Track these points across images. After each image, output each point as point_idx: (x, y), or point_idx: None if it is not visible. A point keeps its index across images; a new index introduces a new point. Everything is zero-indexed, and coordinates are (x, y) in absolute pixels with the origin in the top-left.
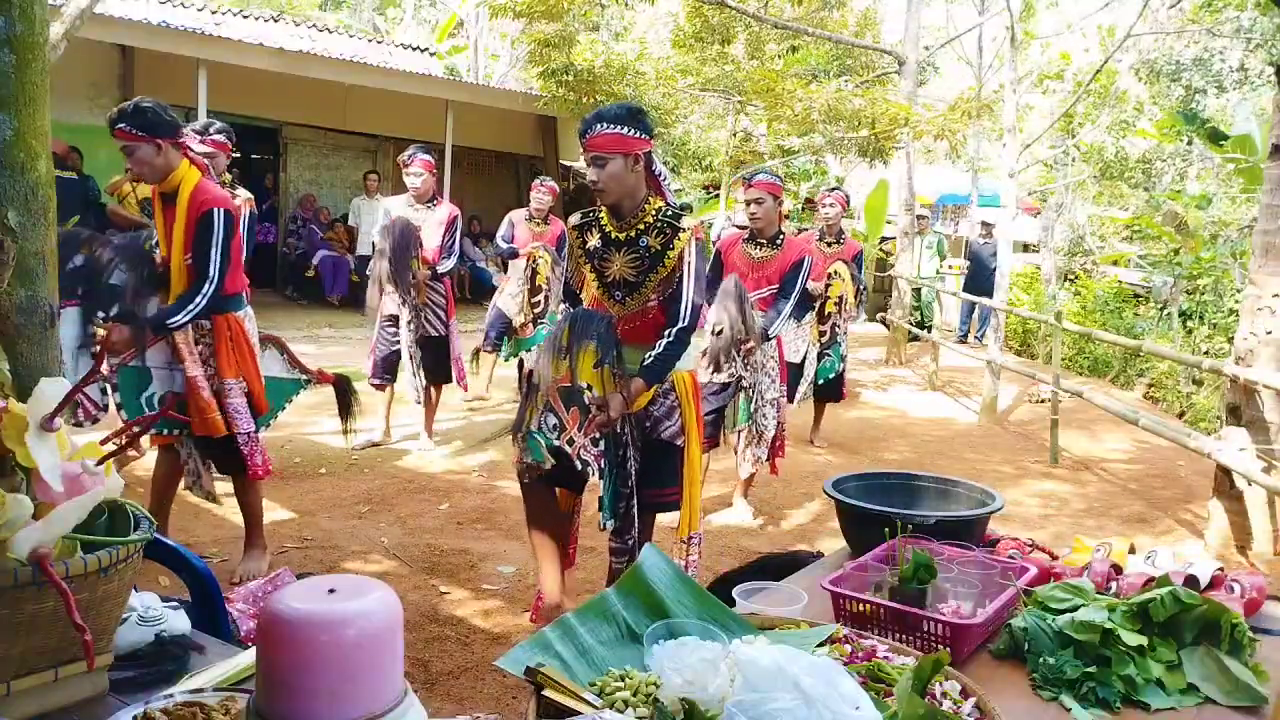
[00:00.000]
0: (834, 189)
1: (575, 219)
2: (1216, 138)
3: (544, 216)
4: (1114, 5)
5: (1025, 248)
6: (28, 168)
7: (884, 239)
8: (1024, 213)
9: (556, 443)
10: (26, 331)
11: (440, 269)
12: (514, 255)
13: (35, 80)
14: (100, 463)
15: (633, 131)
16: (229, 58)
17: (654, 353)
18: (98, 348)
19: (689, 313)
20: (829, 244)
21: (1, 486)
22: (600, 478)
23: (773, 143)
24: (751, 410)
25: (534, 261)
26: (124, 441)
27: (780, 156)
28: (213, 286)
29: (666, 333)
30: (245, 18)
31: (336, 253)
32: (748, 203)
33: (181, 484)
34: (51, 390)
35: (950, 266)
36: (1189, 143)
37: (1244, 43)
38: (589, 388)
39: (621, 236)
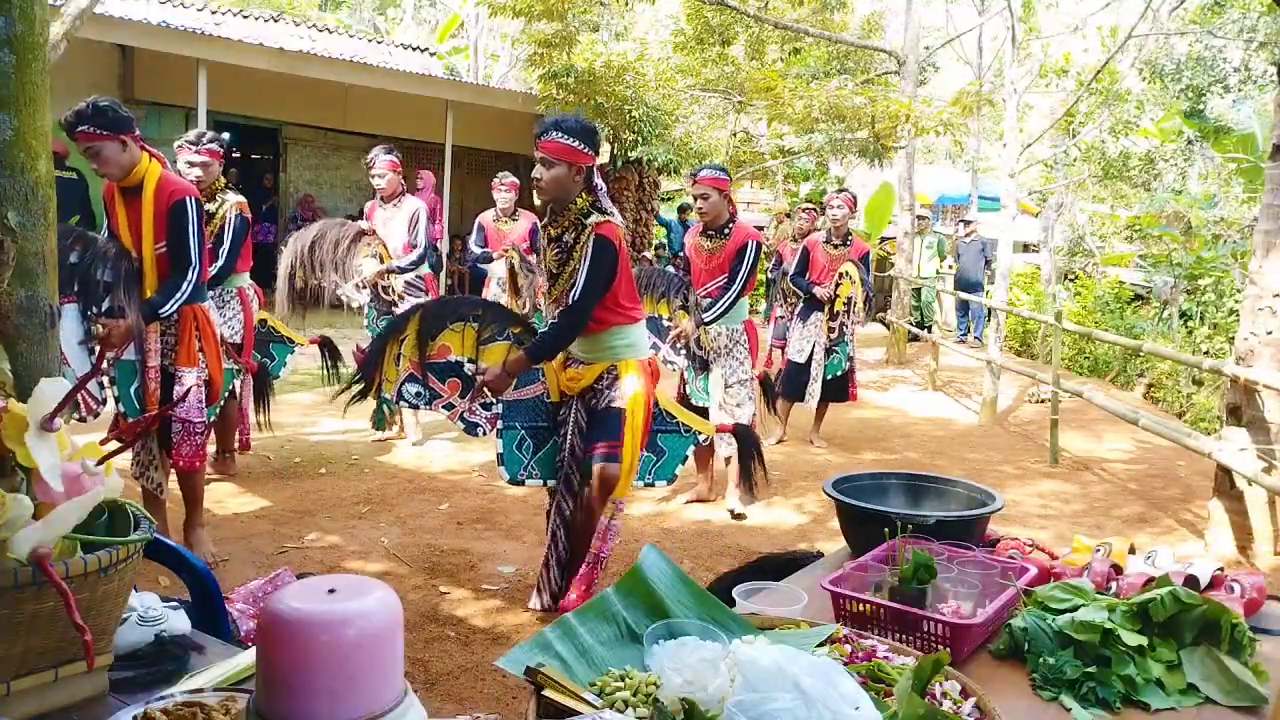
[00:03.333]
0: (841, 190)
1: (546, 219)
2: (1218, 136)
3: (511, 213)
4: (1114, 5)
5: (1025, 248)
6: (28, 168)
7: (884, 239)
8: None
9: (425, 407)
10: (26, 331)
11: (400, 263)
12: (488, 260)
13: (35, 80)
14: (100, 463)
15: (583, 146)
16: (229, 58)
17: (542, 331)
18: (97, 344)
19: (577, 298)
20: (836, 245)
21: (1, 486)
22: (498, 436)
23: (773, 143)
24: (711, 388)
25: (510, 262)
26: (124, 442)
27: (780, 157)
28: (196, 273)
29: (556, 315)
30: (245, 18)
31: None
32: (695, 198)
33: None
34: (51, 390)
35: (950, 267)
36: (1189, 143)
37: (1245, 43)
38: (471, 360)
39: (554, 233)
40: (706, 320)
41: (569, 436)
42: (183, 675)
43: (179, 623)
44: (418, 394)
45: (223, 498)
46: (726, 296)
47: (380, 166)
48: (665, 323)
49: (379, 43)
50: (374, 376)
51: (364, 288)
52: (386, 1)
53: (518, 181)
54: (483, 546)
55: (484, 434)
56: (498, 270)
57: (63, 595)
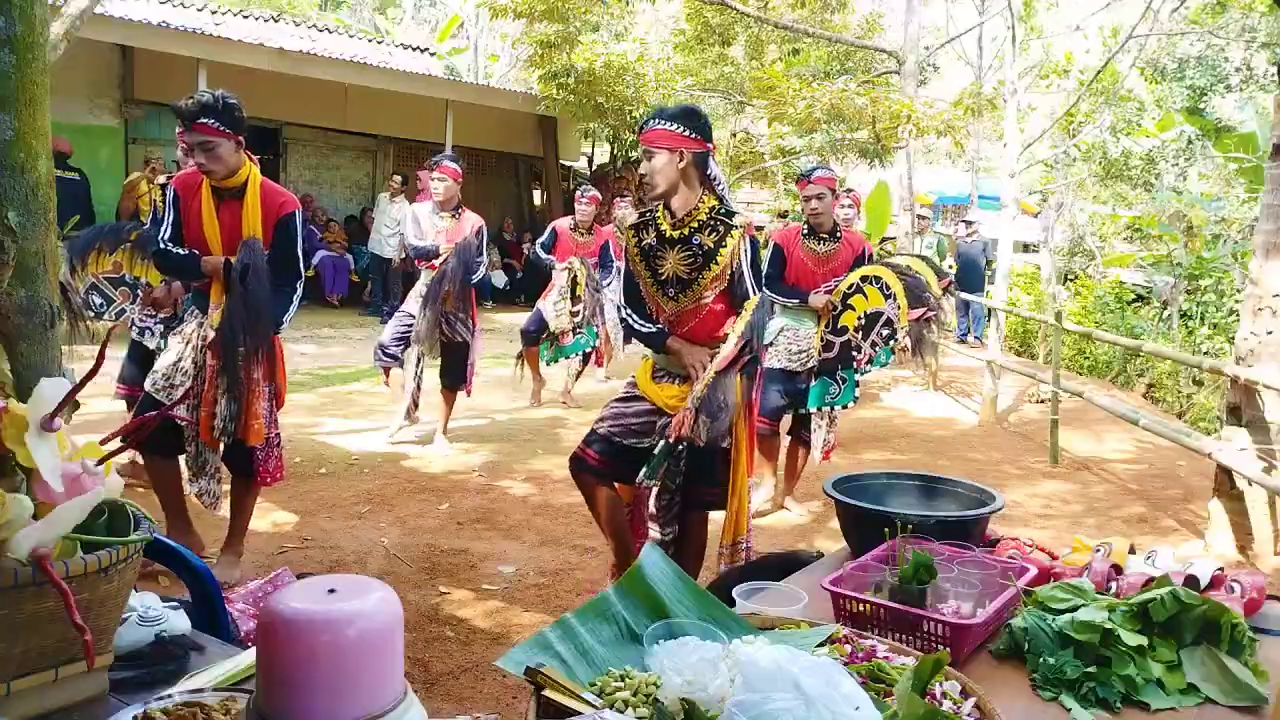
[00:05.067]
0: (848, 189)
1: (633, 219)
2: (1219, 135)
3: (588, 227)
4: (1115, 5)
5: (1025, 248)
6: (28, 168)
7: (884, 239)
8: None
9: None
10: (26, 331)
11: (472, 279)
12: (552, 267)
13: (35, 80)
14: (100, 463)
15: (684, 130)
16: (229, 58)
17: (741, 318)
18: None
19: (753, 290)
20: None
21: (1, 486)
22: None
23: (773, 143)
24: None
25: (574, 273)
26: (125, 440)
27: (780, 157)
28: (303, 285)
29: (745, 306)
30: (245, 18)
31: (335, 253)
32: (807, 199)
33: (187, 489)
34: (51, 390)
35: (950, 267)
36: (1189, 143)
37: (1246, 43)
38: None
39: (675, 235)
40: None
41: (681, 464)
42: (183, 675)
43: (179, 623)
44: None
45: (223, 498)
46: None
47: (441, 173)
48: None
49: (379, 43)
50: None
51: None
52: (386, 1)
53: (599, 196)
54: (483, 546)
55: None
56: (559, 280)
57: (63, 595)
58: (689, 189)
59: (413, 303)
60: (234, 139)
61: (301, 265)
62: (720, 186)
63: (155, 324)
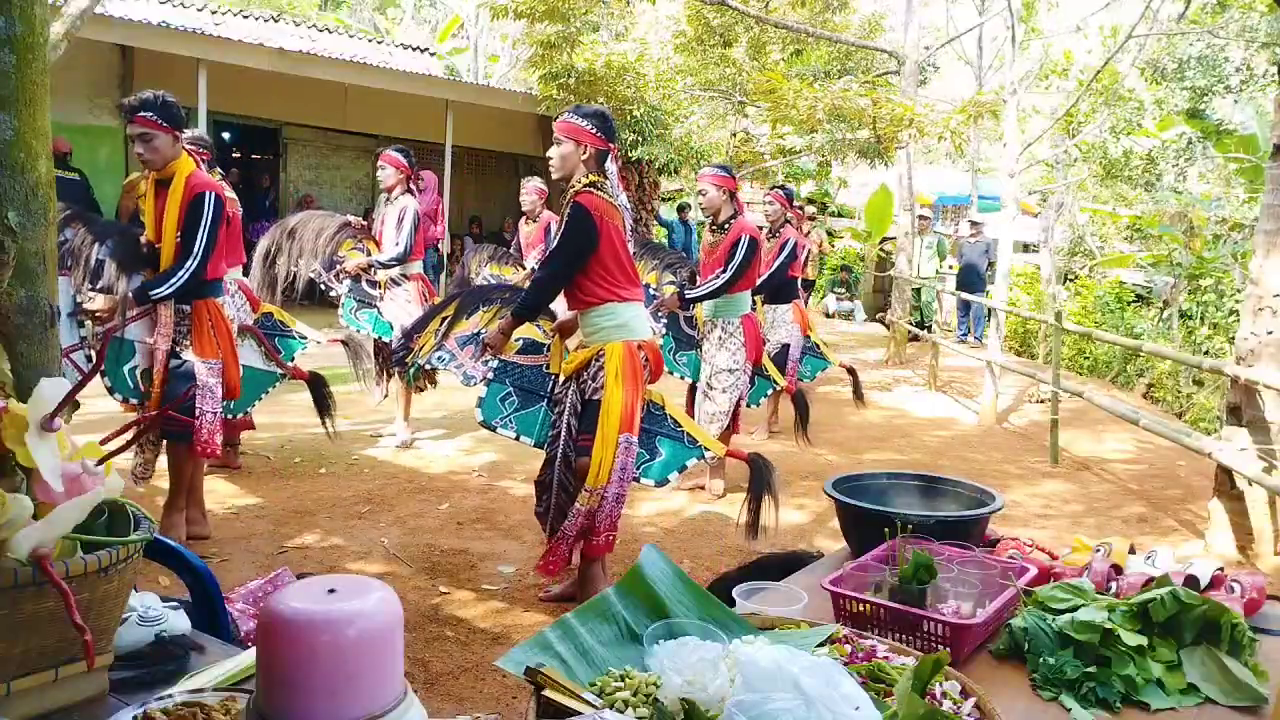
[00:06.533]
0: (774, 187)
1: (530, 203)
2: (1220, 136)
3: (534, 215)
4: (1115, 5)
5: (1025, 248)
6: (28, 168)
7: (885, 239)
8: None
9: (443, 368)
10: (26, 331)
11: (381, 258)
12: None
13: (35, 80)
14: (100, 463)
15: (590, 126)
16: (229, 58)
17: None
18: (85, 317)
19: (546, 255)
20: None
21: (1, 486)
22: (485, 385)
23: (774, 143)
24: (700, 371)
25: None
26: (124, 439)
27: (781, 157)
28: (195, 263)
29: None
30: (245, 18)
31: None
32: (698, 192)
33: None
34: (51, 390)
35: (950, 267)
36: (1190, 144)
37: (1246, 43)
38: (483, 331)
39: (560, 212)
40: (688, 296)
41: (565, 417)
42: (183, 675)
43: (179, 623)
44: (439, 358)
45: (223, 497)
46: (711, 280)
47: (383, 160)
48: (653, 292)
49: (379, 43)
50: (415, 344)
51: (344, 278)
52: (386, 1)
53: (544, 188)
54: (483, 546)
55: (474, 384)
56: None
57: (63, 595)
58: (580, 175)
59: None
60: (170, 132)
61: (198, 245)
62: (611, 180)
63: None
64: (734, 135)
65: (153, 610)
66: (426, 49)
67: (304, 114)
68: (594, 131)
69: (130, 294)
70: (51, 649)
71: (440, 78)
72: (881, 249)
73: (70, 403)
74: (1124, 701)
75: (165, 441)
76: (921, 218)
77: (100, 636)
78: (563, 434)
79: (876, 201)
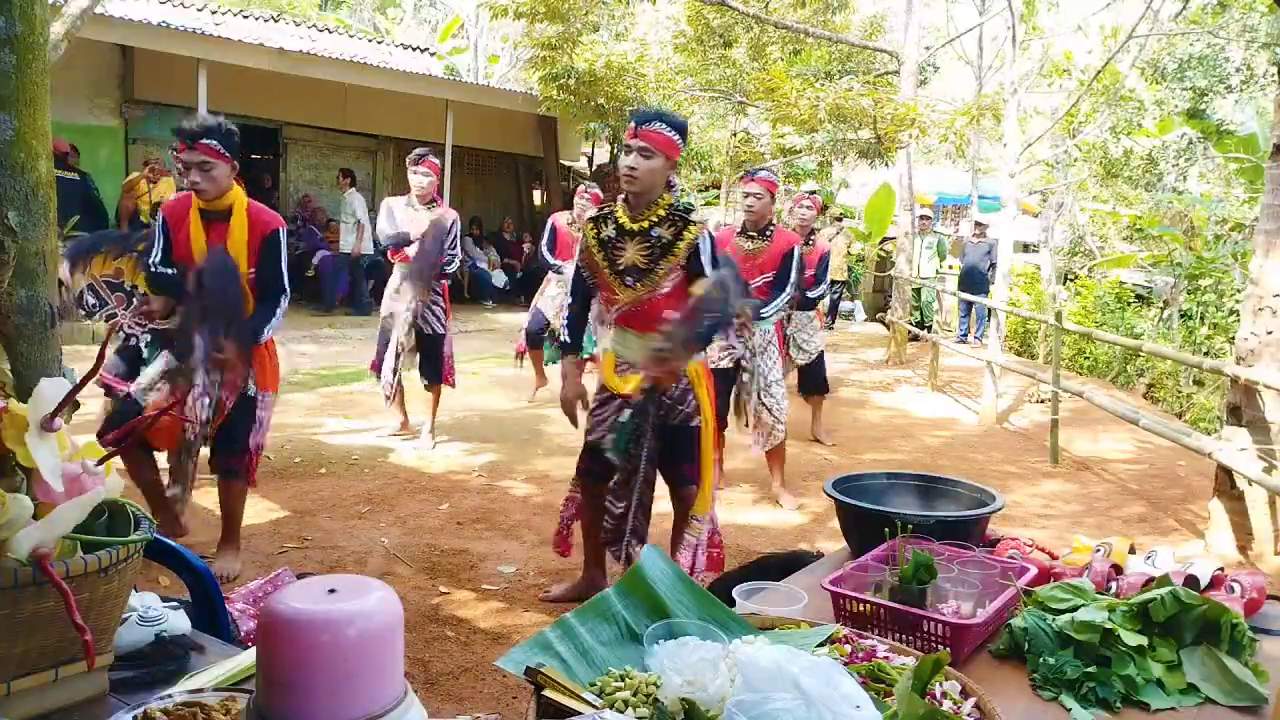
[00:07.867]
0: (813, 192)
1: (592, 213)
2: (1220, 136)
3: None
4: (1115, 5)
5: (1025, 248)
6: (28, 168)
7: (885, 239)
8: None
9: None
10: (26, 331)
11: (446, 270)
12: (560, 270)
13: (35, 80)
14: (100, 463)
15: (680, 141)
16: (229, 58)
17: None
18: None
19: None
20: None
21: (1, 486)
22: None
23: (774, 143)
24: (758, 391)
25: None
26: (125, 439)
27: (781, 156)
28: (287, 299)
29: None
30: (245, 18)
31: (335, 252)
32: (745, 195)
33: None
34: (51, 390)
35: (950, 267)
36: (1190, 144)
37: (1246, 43)
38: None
39: (635, 227)
40: (764, 314)
41: (647, 436)
42: (183, 675)
43: (179, 623)
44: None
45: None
46: (781, 296)
47: (424, 167)
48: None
49: (379, 43)
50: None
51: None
52: (386, 1)
53: (600, 194)
54: (483, 546)
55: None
56: (555, 277)
57: (63, 595)
58: (658, 188)
59: (389, 303)
60: (230, 162)
61: (285, 281)
62: (675, 190)
63: (143, 332)
64: (734, 135)
65: (153, 610)
66: (427, 49)
67: (304, 114)
68: (681, 146)
69: (239, 341)
70: (51, 649)
71: (440, 78)
72: (881, 249)
73: (70, 403)
74: (1124, 701)
75: (220, 480)
76: (922, 218)
77: (100, 636)
78: (643, 455)
79: (877, 201)
